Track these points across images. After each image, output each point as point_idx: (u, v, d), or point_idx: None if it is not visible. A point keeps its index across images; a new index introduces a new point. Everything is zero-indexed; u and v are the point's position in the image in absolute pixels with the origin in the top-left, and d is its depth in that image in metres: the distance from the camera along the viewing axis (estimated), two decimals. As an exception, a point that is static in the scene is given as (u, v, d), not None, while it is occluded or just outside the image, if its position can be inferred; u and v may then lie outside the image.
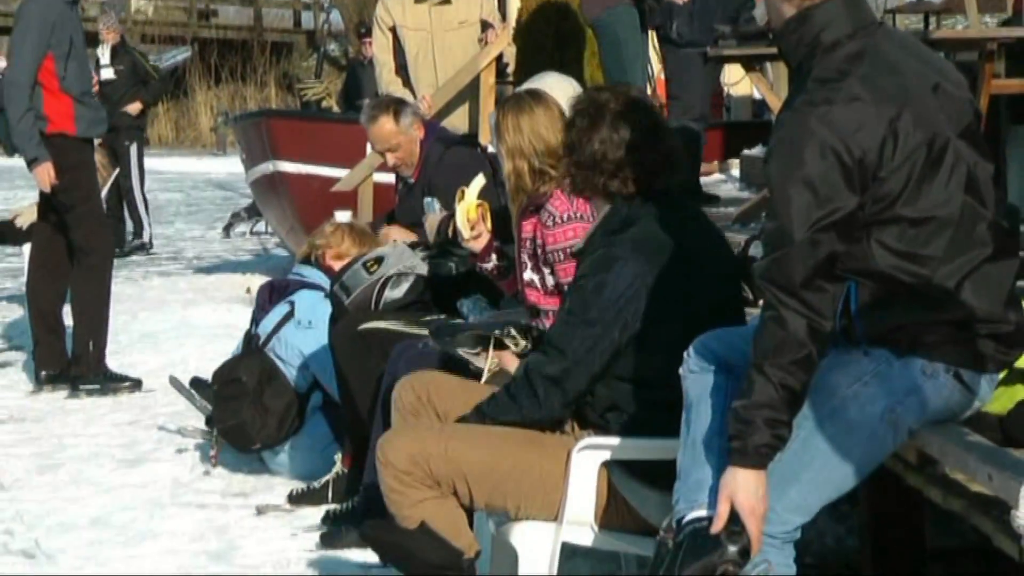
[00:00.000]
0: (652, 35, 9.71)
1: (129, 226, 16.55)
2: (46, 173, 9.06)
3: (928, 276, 3.68)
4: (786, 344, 3.59)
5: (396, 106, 7.66)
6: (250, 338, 7.43)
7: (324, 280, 7.39)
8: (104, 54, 16.29)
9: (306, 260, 7.64)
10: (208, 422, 7.34)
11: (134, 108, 16.35)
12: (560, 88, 6.42)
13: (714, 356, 3.98)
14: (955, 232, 3.69)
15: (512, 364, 4.84)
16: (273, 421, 7.14)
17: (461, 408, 4.73)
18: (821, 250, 3.59)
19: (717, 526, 3.63)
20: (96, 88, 15.38)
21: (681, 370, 3.96)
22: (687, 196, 4.64)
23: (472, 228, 5.87)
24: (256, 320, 7.49)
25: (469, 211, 5.88)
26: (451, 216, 6.89)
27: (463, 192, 5.92)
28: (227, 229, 18.68)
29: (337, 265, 7.52)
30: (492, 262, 5.95)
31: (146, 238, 16.72)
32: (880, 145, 3.61)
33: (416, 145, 7.58)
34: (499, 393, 4.56)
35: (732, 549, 3.62)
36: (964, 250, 3.70)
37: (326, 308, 7.09)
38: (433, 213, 7.24)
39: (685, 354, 3.99)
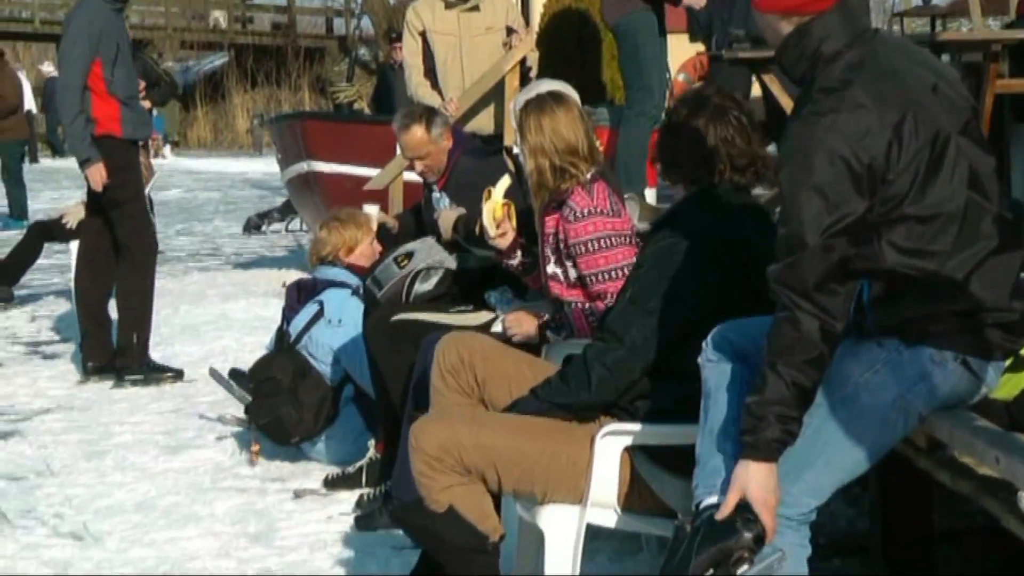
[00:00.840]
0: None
1: None
2: (98, 173, 9.09)
3: (936, 270, 3.68)
4: (799, 344, 3.58)
5: (428, 115, 7.64)
6: (282, 336, 7.43)
7: (348, 276, 7.40)
8: None
9: (322, 263, 7.63)
10: (247, 412, 7.36)
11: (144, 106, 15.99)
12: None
13: (731, 346, 3.97)
14: (960, 227, 3.68)
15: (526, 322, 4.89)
16: (309, 415, 7.15)
17: (499, 375, 4.74)
18: (833, 254, 3.59)
19: (722, 514, 3.62)
20: None
21: (700, 359, 3.95)
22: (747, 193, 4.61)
23: (498, 226, 5.89)
24: (287, 319, 7.50)
25: (495, 210, 5.89)
26: (469, 214, 6.91)
27: (489, 192, 5.93)
28: (247, 228, 18.73)
29: (352, 258, 7.50)
30: (517, 259, 5.96)
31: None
32: (886, 149, 3.61)
33: (444, 155, 7.56)
34: (553, 378, 4.55)
35: (747, 536, 3.61)
36: (970, 244, 3.69)
37: (354, 305, 7.11)
38: (445, 210, 7.25)
39: (704, 343, 3.98)
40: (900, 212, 3.65)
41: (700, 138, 4.49)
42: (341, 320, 7.19)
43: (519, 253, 5.97)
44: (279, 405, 7.15)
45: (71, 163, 10.02)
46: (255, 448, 7.29)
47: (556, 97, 5.61)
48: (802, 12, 3.74)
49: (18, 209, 20.41)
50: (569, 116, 5.52)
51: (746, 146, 4.50)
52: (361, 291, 7.15)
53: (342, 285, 7.37)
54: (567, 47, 10.89)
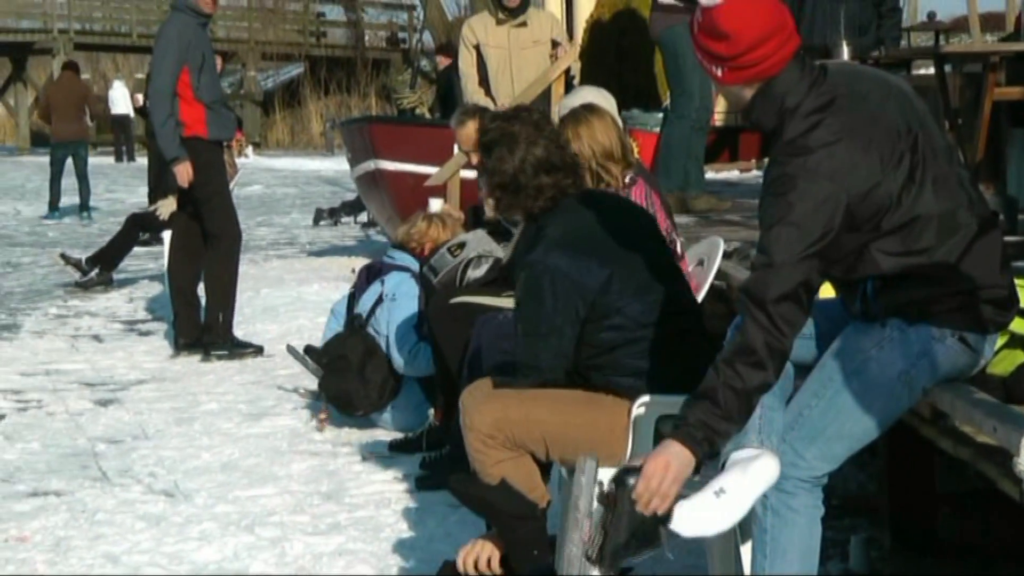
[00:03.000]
0: None
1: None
2: (185, 171, 9.11)
3: (927, 262, 3.66)
4: (742, 349, 3.55)
5: (481, 113, 7.64)
6: (353, 318, 7.41)
7: (412, 262, 7.40)
8: None
9: (399, 246, 7.62)
10: (320, 385, 7.37)
11: None
12: (592, 98, 6.46)
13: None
14: (939, 222, 3.65)
15: None
16: (374, 391, 7.16)
17: (531, 429, 4.60)
18: (798, 274, 3.54)
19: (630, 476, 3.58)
20: (140, 102, 15.46)
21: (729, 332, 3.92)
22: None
23: None
24: (356, 298, 7.49)
25: None
26: None
27: None
28: (316, 220, 18.77)
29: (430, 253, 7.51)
30: None
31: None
32: (861, 177, 3.57)
33: None
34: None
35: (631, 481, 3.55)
36: (952, 234, 3.66)
37: (410, 285, 7.14)
38: None
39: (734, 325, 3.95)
40: (883, 225, 3.62)
41: (522, 176, 4.46)
42: (395, 295, 7.20)
43: None
44: (348, 381, 7.15)
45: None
46: (323, 416, 7.30)
47: (590, 109, 5.66)
48: (761, 79, 3.71)
49: (84, 203, 20.62)
50: (603, 124, 5.57)
51: (563, 163, 4.49)
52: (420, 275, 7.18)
53: (405, 269, 7.37)
54: (607, 58, 10.87)
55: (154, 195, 15.31)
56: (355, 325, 7.32)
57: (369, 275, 7.47)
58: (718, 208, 9.25)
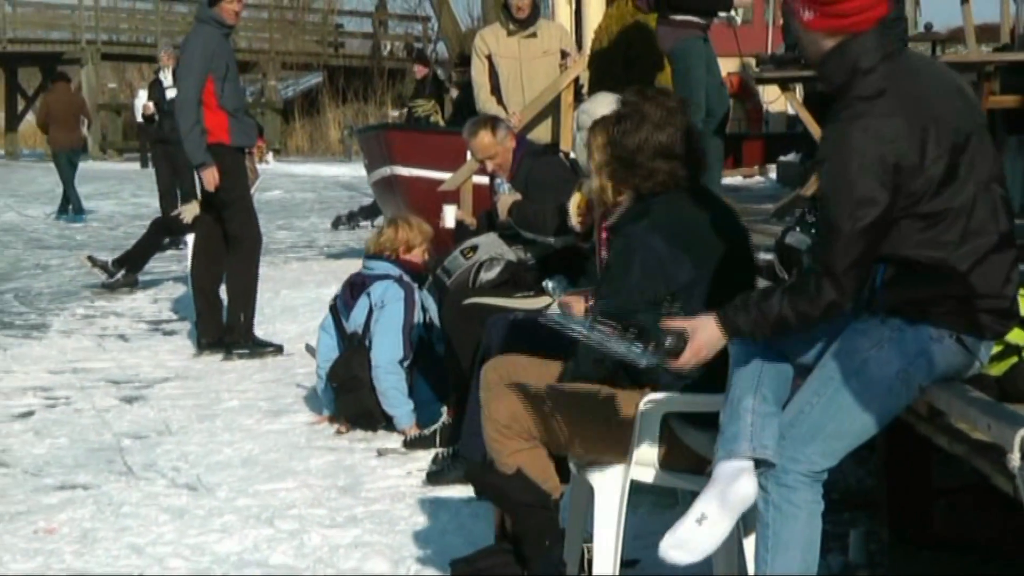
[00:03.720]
0: None
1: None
2: (211, 176, 9.12)
3: (944, 258, 3.66)
4: (809, 299, 3.65)
5: (492, 122, 7.65)
6: (350, 336, 7.30)
7: (391, 268, 7.34)
8: (167, 77, 15.41)
9: (375, 256, 7.51)
10: (337, 407, 7.29)
11: None
12: (609, 103, 6.45)
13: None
14: (967, 222, 3.66)
15: (576, 304, 4.92)
16: None
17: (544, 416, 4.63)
18: (862, 244, 3.60)
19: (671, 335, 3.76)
20: (151, 110, 15.41)
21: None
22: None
23: (580, 216, 6.02)
24: (346, 314, 7.37)
25: (579, 203, 6.02)
26: (525, 202, 6.98)
27: (581, 184, 6.00)
28: (335, 224, 18.77)
29: (409, 256, 7.44)
30: (590, 244, 5.99)
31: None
32: (911, 153, 3.59)
33: (510, 154, 7.58)
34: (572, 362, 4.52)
35: (668, 340, 3.74)
36: (975, 237, 3.67)
37: (395, 290, 7.16)
38: (504, 194, 7.26)
39: None
40: (918, 208, 3.63)
41: (640, 153, 4.41)
42: (383, 303, 7.18)
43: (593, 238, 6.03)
44: (364, 399, 7.13)
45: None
46: (343, 429, 7.25)
47: None
48: (845, 32, 3.71)
49: (78, 206, 20.81)
50: None
51: (686, 151, 4.41)
52: (403, 280, 7.16)
53: (386, 277, 7.32)
54: (614, 68, 10.81)
55: (165, 200, 15.29)
56: (354, 342, 7.27)
57: (353, 290, 7.39)
58: None
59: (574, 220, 6.04)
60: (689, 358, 3.79)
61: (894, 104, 3.62)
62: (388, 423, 7.15)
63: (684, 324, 3.80)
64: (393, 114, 19.22)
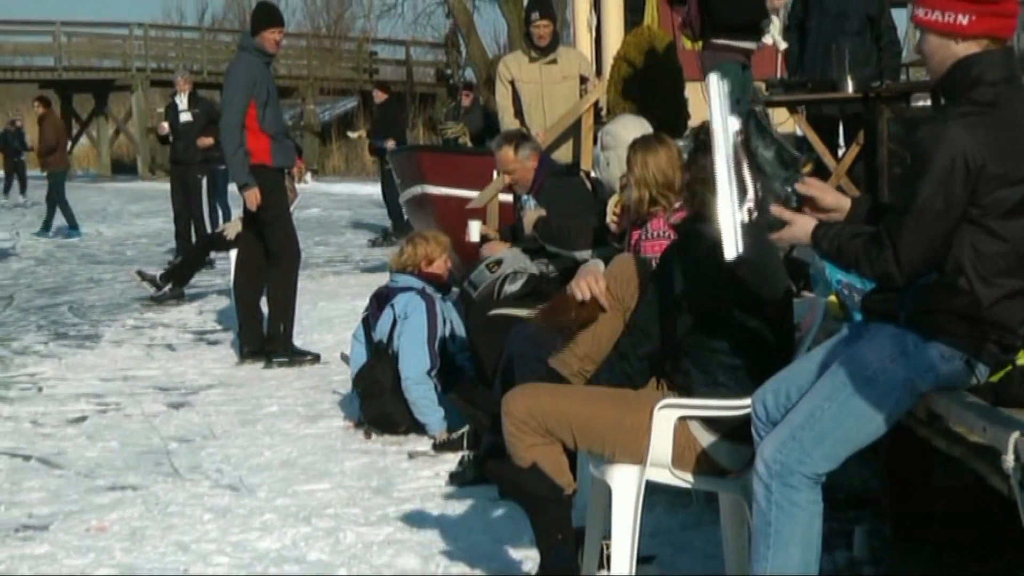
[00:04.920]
0: None
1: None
2: (254, 196, 9.16)
3: (979, 284, 3.65)
4: (870, 260, 3.66)
5: (518, 141, 7.68)
6: (376, 344, 7.31)
7: (415, 281, 7.32)
8: (182, 101, 15.36)
9: (400, 270, 7.49)
10: (361, 411, 7.30)
11: (206, 142, 15.02)
12: (632, 125, 6.48)
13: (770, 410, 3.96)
14: (1013, 257, 3.65)
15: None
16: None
17: (562, 420, 4.58)
18: (932, 226, 3.58)
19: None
20: (166, 130, 15.42)
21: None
22: None
23: (616, 217, 6.20)
24: (371, 323, 7.39)
25: (616, 204, 6.21)
26: (549, 217, 7.00)
27: (622, 187, 6.10)
28: (373, 242, 18.78)
29: (431, 268, 7.43)
30: (623, 244, 6.02)
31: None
32: (999, 164, 3.58)
33: (530, 173, 7.60)
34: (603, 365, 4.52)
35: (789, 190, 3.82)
36: (1011, 274, 3.66)
37: (417, 302, 7.13)
38: (530, 210, 7.28)
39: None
40: (981, 221, 3.62)
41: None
42: (406, 315, 7.18)
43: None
44: (386, 404, 7.13)
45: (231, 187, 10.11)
46: (369, 436, 7.26)
47: (661, 140, 5.59)
48: (996, 35, 3.70)
49: (72, 221, 20.78)
50: (669, 155, 5.49)
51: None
52: (425, 292, 7.16)
53: (409, 289, 7.33)
54: (633, 91, 10.83)
55: (179, 219, 15.24)
56: (379, 350, 7.28)
57: (379, 302, 7.39)
58: None
59: (610, 219, 6.09)
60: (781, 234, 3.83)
61: (999, 118, 3.61)
62: (410, 427, 7.15)
63: (790, 215, 3.83)
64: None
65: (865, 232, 3.74)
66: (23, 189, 27.71)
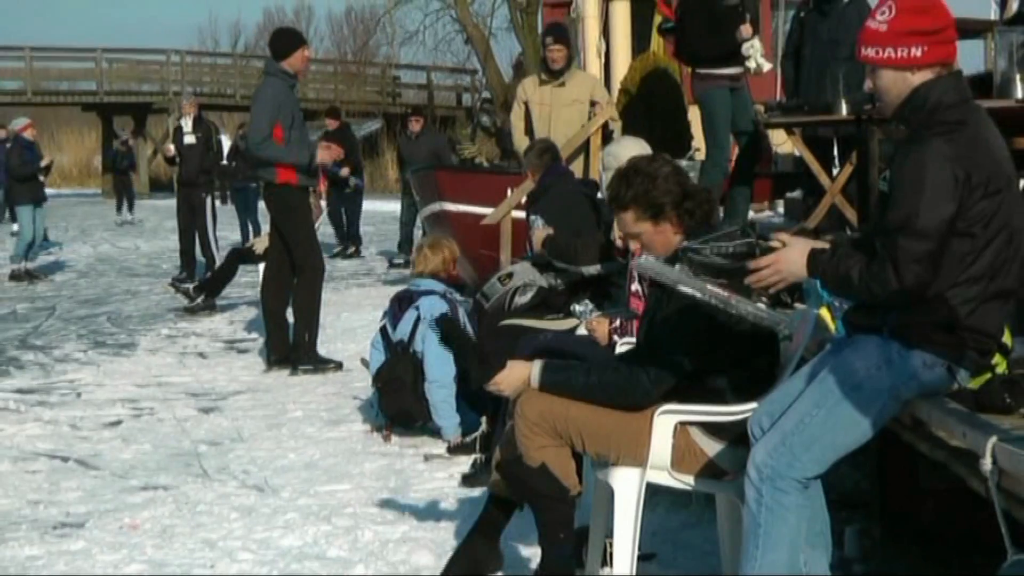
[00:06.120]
0: None
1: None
2: (328, 153, 9.21)
3: (956, 290, 3.64)
4: (874, 277, 3.59)
5: (540, 147, 7.82)
6: (396, 343, 7.30)
7: (436, 285, 7.30)
8: (187, 124, 15.18)
9: (423, 274, 7.44)
10: (380, 406, 7.31)
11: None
12: (631, 146, 6.49)
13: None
14: (992, 260, 3.64)
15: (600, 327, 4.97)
16: (428, 404, 7.12)
17: (571, 423, 4.58)
18: (929, 240, 3.55)
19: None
20: (172, 152, 15.32)
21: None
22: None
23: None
24: (393, 325, 7.35)
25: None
26: (556, 234, 7.01)
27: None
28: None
29: (452, 272, 7.42)
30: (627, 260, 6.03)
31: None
32: (980, 174, 3.59)
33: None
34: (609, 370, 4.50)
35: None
36: (989, 280, 3.65)
37: (441, 304, 7.13)
38: (538, 229, 7.27)
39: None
40: (967, 230, 3.62)
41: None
42: (432, 317, 7.16)
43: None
44: (405, 400, 7.13)
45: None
46: (387, 432, 7.28)
47: (654, 159, 5.53)
48: (944, 62, 3.72)
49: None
50: (664, 175, 5.44)
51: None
52: (447, 295, 7.16)
53: (432, 292, 7.32)
54: (639, 114, 10.85)
55: (184, 237, 15.16)
56: (399, 349, 7.27)
57: (401, 304, 7.38)
58: None
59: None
60: (767, 266, 3.77)
61: (969, 135, 3.62)
62: (426, 423, 7.16)
63: (782, 237, 3.80)
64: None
65: (858, 248, 3.72)
66: (131, 207, 27.49)
